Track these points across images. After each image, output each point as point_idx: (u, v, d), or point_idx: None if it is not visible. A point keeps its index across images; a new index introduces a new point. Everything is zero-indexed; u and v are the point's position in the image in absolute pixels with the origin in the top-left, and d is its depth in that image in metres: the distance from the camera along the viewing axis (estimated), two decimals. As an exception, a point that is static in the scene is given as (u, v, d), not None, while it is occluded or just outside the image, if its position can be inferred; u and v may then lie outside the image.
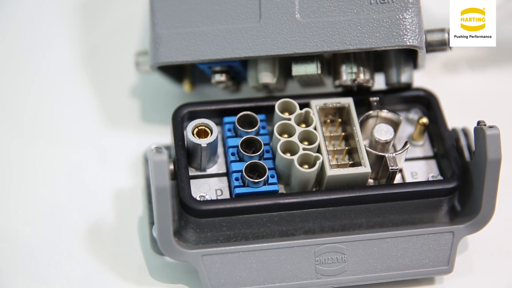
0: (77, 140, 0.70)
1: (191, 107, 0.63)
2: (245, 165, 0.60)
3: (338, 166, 0.61)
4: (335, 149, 0.62)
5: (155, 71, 0.65)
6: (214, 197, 0.61)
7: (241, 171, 0.60)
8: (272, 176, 0.60)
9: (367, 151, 0.61)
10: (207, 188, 0.61)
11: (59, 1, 0.78)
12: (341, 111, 0.63)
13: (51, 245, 0.64)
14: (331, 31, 0.62)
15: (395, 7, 0.62)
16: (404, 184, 0.62)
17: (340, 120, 0.63)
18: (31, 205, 0.66)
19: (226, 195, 0.61)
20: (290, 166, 0.60)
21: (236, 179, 0.60)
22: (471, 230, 0.61)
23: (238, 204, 0.59)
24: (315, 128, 0.61)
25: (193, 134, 0.61)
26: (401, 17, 0.62)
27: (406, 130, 0.65)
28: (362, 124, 0.63)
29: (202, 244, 0.60)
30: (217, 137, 0.61)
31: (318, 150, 0.61)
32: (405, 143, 0.62)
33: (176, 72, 0.69)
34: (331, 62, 0.66)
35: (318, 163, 0.59)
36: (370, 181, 0.62)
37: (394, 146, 0.64)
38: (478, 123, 0.60)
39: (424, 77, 0.73)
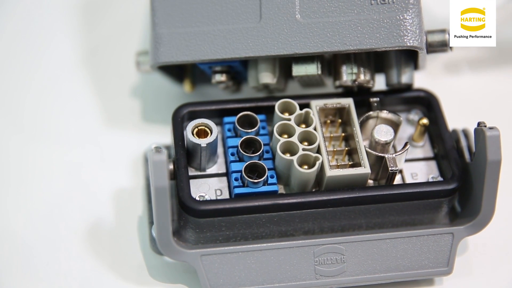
0: (77, 139, 0.70)
1: (191, 107, 0.63)
2: (245, 165, 0.60)
3: (337, 166, 0.61)
4: (335, 149, 0.62)
5: (156, 70, 0.65)
6: (213, 197, 0.61)
7: (240, 171, 0.60)
8: (272, 177, 0.60)
9: (367, 152, 0.61)
10: (207, 188, 0.61)
11: (60, 0, 0.78)
12: (341, 112, 0.63)
13: (50, 244, 0.64)
14: (331, 32, 0.62)
15: (395, 8, 0.62)
16: (404, 185, 0.62)
17: (340, 120, 0.63)
18: (30, 204, 0.66)
19: (226, 195, 0.61)
20: (289, 166, 0.60)
21: (236, 179, 0.60)
22: (471, 231, 0.61)
23: (237, 204, 0.59)
24: (315, 129, 0.61)
25: (193, 134, 0.61)
26: (401, 17, 0.62)
27: (406, 131, 0.65)
28: (362, 124, 0.63)
29: (201, 244, 0.60)
30: (217, 137, 0.61)
31: (318, 151, 0.61)
32: (405, 144, 0.62)
33: (177, 72, 0.69)
34: (331, 63, 0.66)
35: (318, 163, 0.59)
36: (370, 182, 0.62)
37: (394, 147, 0.64)
38: (478, 124, 0.60)
39: (424, 78, 0.72)
